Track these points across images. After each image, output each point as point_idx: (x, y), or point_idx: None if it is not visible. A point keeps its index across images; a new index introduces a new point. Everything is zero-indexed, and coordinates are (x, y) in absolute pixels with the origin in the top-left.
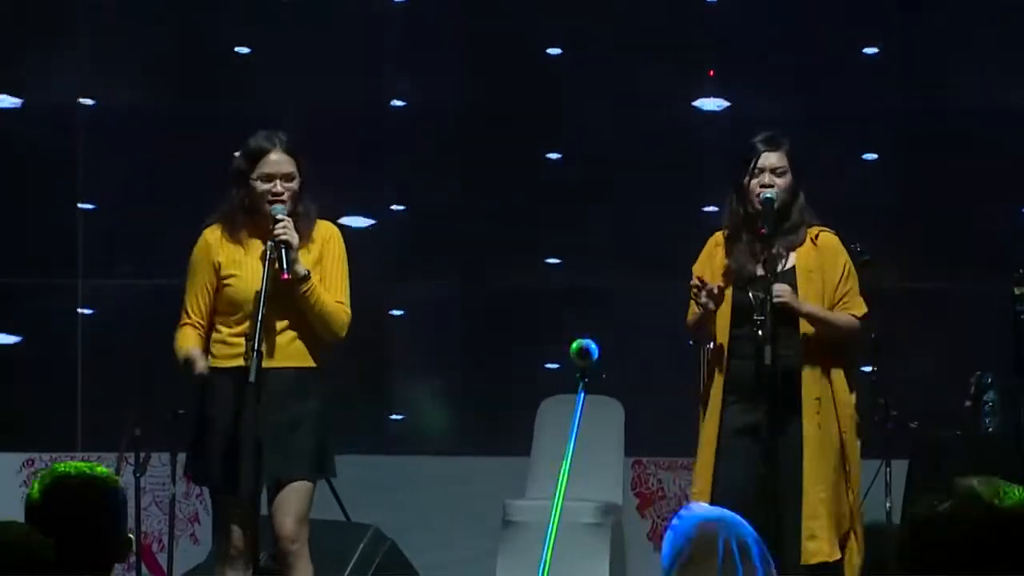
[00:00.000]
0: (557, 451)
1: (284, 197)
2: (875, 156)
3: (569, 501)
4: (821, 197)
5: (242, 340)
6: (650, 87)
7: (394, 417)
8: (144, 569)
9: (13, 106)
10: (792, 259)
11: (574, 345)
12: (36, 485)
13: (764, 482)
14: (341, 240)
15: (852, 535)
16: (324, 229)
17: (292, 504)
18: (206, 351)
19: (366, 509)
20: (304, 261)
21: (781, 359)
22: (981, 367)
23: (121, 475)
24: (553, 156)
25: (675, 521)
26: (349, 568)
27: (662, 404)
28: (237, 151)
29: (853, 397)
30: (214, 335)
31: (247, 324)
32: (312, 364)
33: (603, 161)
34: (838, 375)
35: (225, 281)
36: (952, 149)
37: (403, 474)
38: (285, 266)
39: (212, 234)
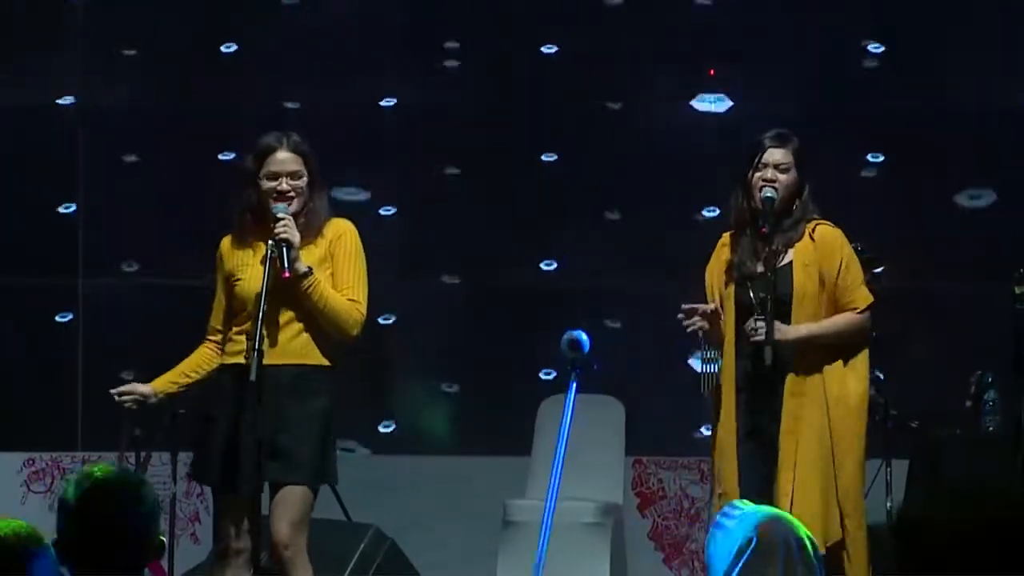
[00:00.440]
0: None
1: (290, 195)
2: (875, 156)
3: (569, 501)
4: (821, 197)
5: (244, 338)
6: (650, 87)
7: (384, 426)
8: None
9: (13, 106)
10: (790, 255)
11: (565, 337)
12: (71, 488)
13: (767, 482)
14: (356, 237)
15: (844, 520)
16: (336, 226)
17: (288, 509)
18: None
19: (366, 509)
20: (309, 258)
21: (779, 359)
22: (981, 367)
23: None
24: (553, 157)
25: (725, 521)
26: (349, 568)
27: (662, 404)
28: (238, 152)
29: (861, 387)
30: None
31: (251, 323)
32: (318, 362)
33: (603, 161)
34: (832, 369)
35: (232, 282)
36: (952, 149)
37: (403, 474)
38: (286, 264)
39: (224, 243)
